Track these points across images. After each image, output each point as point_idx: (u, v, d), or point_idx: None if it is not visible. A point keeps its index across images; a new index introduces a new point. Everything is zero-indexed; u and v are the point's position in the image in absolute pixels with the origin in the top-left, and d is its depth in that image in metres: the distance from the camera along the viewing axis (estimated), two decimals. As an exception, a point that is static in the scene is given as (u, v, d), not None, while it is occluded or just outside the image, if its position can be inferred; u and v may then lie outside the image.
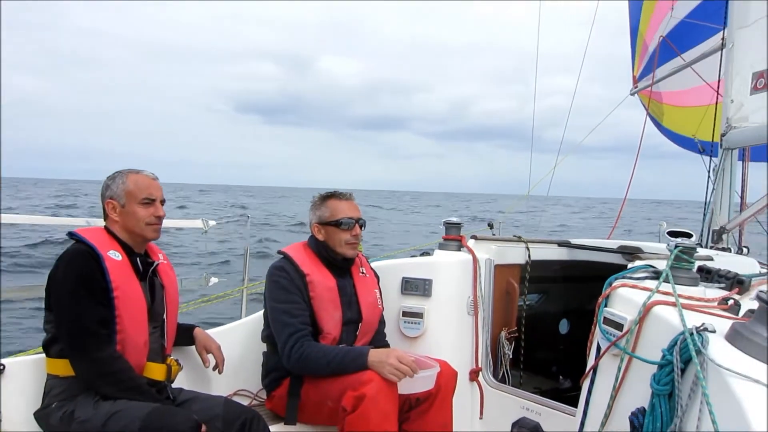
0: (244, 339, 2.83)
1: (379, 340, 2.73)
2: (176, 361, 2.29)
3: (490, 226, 4.18)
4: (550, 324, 3.88)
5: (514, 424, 2.72)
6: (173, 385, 2.27)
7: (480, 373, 2.97)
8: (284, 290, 2.43)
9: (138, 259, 2.19)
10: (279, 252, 2.58)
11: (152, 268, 2.25)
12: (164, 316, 2.28)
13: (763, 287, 2.48)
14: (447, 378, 2.46)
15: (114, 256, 2.09)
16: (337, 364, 2.29)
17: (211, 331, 2.70)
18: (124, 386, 1.99)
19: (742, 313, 1.67)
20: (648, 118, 7.44)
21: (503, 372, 3.10)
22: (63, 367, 2.01)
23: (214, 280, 4.40)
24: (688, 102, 6.66)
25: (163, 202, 2.26)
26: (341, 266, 2.60)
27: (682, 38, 6.24)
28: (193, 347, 2.51)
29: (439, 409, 2.44)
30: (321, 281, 2.49)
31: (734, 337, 1.37)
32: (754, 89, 4.12)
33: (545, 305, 3.93)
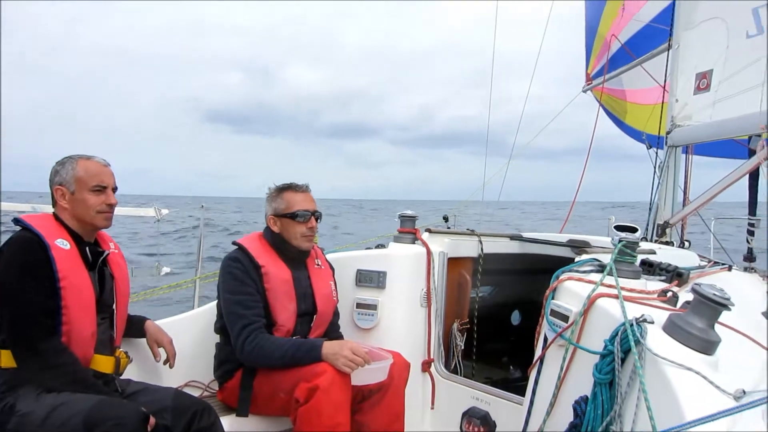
0: (197, 330, 2.80)
1: (333, 332, 2.74)
2: (125, 353, 2.25)
3: (446, 219, 4.24)
4: (502, 315, 3.96)
5: (464, 414, 2.78)
6: (122, 377, 2.23)
7: (432, 364, 3.01)
8: (238, 281, 2.41)
9: (87, 248, 2.13)
10: (234, 243, 2.55)
11: (102, 257, 2.20)
12: (113, 307, 2.23)
13: (700, 280, 2.60)
14: (400, 369, 2.49)
15: (62, 244, 2.02)
16: (291, 356, 2.29)
17: (163, 322, 2.66)
18: (68, 379, 1.94)
19: (679, 304, 1.74)
20: (608, 117, 7.60)
21: (455, 363, 3.16)
22: (4, 358, 1.94)
23: (166, 269, 4.31)
24: (650, 100, 6.81)
25: (114, 189, 2.20)
26: (296, 258, 2.59)
27: (646, 41, 6.34)
28: (144, 339, 2.47)
29: (392, 400, 2.47)
30: (276, 273, 2.48)
31: (670, 328, 1.44)
32: (698, 89, 4.28)
33: (498, 297, 4.02)
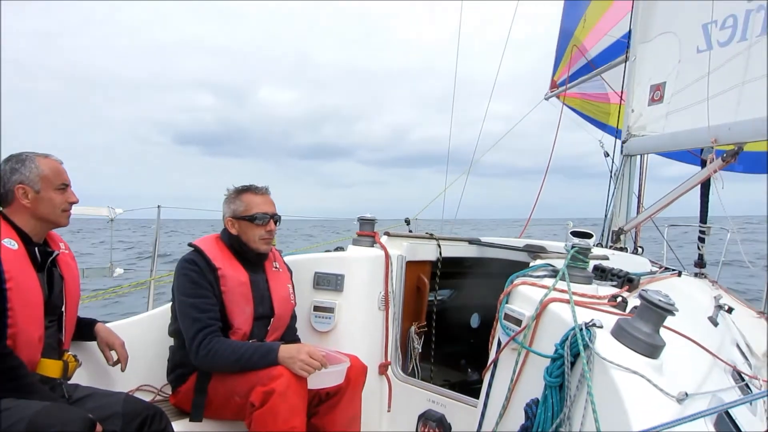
0: (150, 332, 2.74)
1: (290, 335, 2.72)
2: (74, 356, 2.18)
3: (407, 222, 4.26)
4: (461, 318, 4.00)
5: (420, 417, 2.79)
6: (69, 382, 2.16)
7: (389, 367, 3.02)
8: (194, 284, 2.37)
9: (36, 248, 2.07)
10: (190, 245, 2.51)
11: (51, 258, 2.13)
12: (63, 309, 2.17)
13: (650, 286, 2.68)
14: (357, 372, 2.49)
15: (9, 244, 1.96)
16: (247, 360, 2.26)
17: (116, 324, 2.60)
18: (12, 385, 1.86)
19: (629, 309, 1.79)
20: (589, 123, 7.66)
21: (413, 366, 3.17)
22: None
23: (119, 270, 4.19)
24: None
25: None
26: (254, 261, 2.56)
27: (618, 55, 6.41)
28: (95, 342, 2.40)
29: (349, 403, 2.47)
30: (233, 275, 2.45)
31: (618, 332, 1.48)
32: (652, 101, 4.42)
33: (457, 300, 4.05)
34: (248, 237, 2.51)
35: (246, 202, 2.53)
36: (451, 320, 3.73)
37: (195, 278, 2.37)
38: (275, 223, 2.57)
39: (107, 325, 2.51)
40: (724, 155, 3.54)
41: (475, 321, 4.09)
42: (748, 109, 3.48)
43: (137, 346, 2.59)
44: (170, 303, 2.55)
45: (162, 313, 2.74)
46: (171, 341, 2.56)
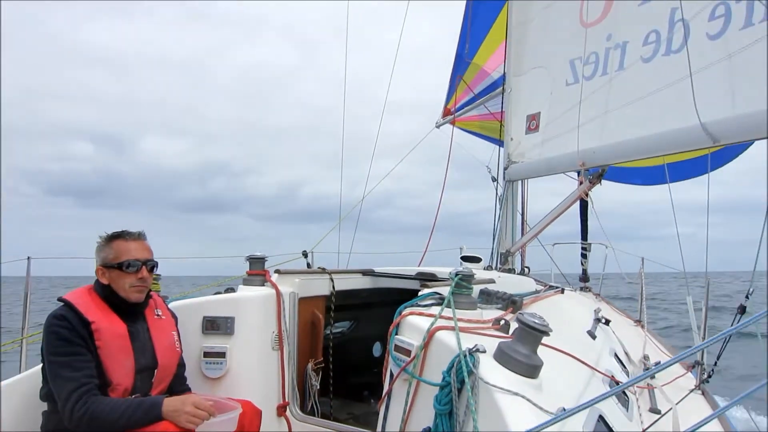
0: (20, 398, 2.49)
1: (179, 385, 2.57)
2: None
3: (305, 254, 4.21)
4: (363, 349, 3.99)
5: None
6: None
7: (287, 407, 2.94)
8: (65, 341, 2.18)
9: None
10: (59, 299, 2.31)
11: None
12: None
13: (534, 305, 2.81)
14: (250, 417, 2.40)
15: None
16: (128, 418, 2.10)
17: None
18: None
19: (511, 331, 1.86)
20: (492, 143, 7.93)
21: (311, 403, 3.10)
22: None
23: None
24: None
25: None
26: (131, 310, 2.40)
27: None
28: None
29: (243, 451, 2.36)
30: (108, 328, 2.27)
31: (499, 356, 1.53)
32: (529, 129, 4.73)
33: (357, 331, 4.04)
34: (118, 286, 2.35)
35: (116, 249, 2.37)
36: (352, 352, 3.70)
37: (65, 335, 2.18)
38: (150, 270, 2.43)
39: None
40: (591, 177, 3.84)
41: (377, 350, 4.09)
42: (610, 135, 3.81)
43: (6, 414, 2.35)
44: (41, 365, 2.32)
45: (32, 375, 2.50)
46: (44, 406, 2.33)
